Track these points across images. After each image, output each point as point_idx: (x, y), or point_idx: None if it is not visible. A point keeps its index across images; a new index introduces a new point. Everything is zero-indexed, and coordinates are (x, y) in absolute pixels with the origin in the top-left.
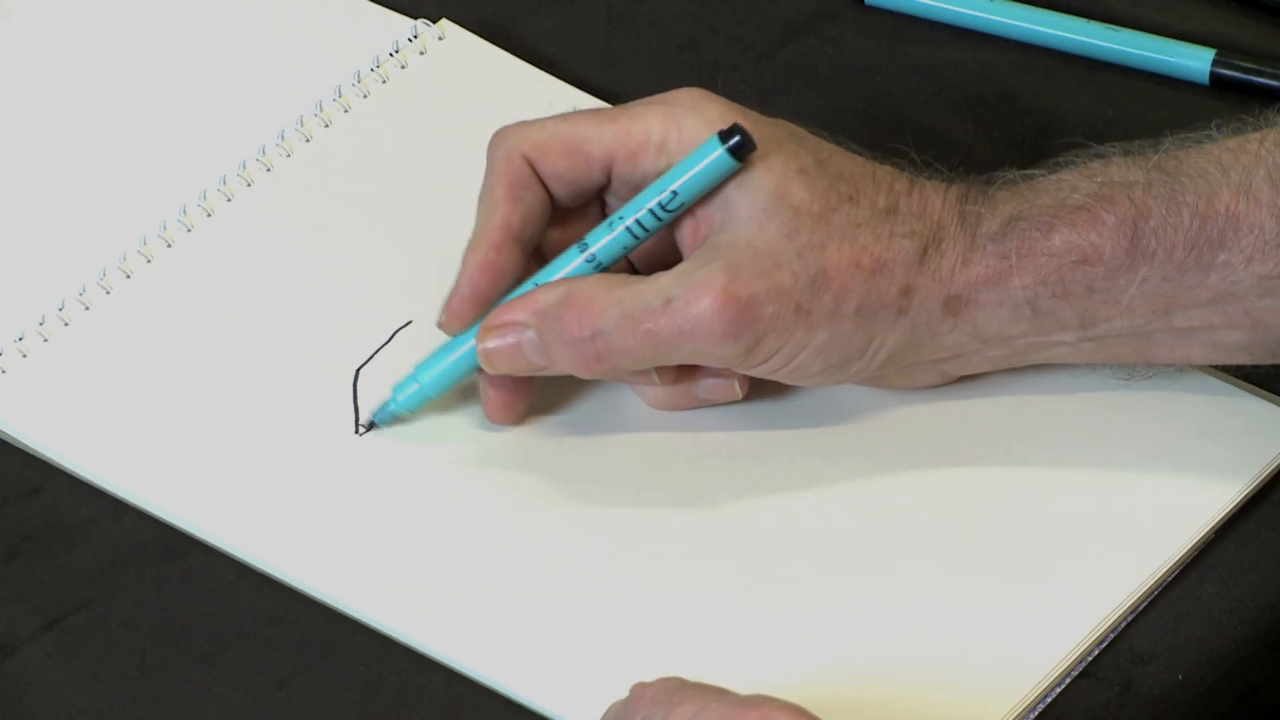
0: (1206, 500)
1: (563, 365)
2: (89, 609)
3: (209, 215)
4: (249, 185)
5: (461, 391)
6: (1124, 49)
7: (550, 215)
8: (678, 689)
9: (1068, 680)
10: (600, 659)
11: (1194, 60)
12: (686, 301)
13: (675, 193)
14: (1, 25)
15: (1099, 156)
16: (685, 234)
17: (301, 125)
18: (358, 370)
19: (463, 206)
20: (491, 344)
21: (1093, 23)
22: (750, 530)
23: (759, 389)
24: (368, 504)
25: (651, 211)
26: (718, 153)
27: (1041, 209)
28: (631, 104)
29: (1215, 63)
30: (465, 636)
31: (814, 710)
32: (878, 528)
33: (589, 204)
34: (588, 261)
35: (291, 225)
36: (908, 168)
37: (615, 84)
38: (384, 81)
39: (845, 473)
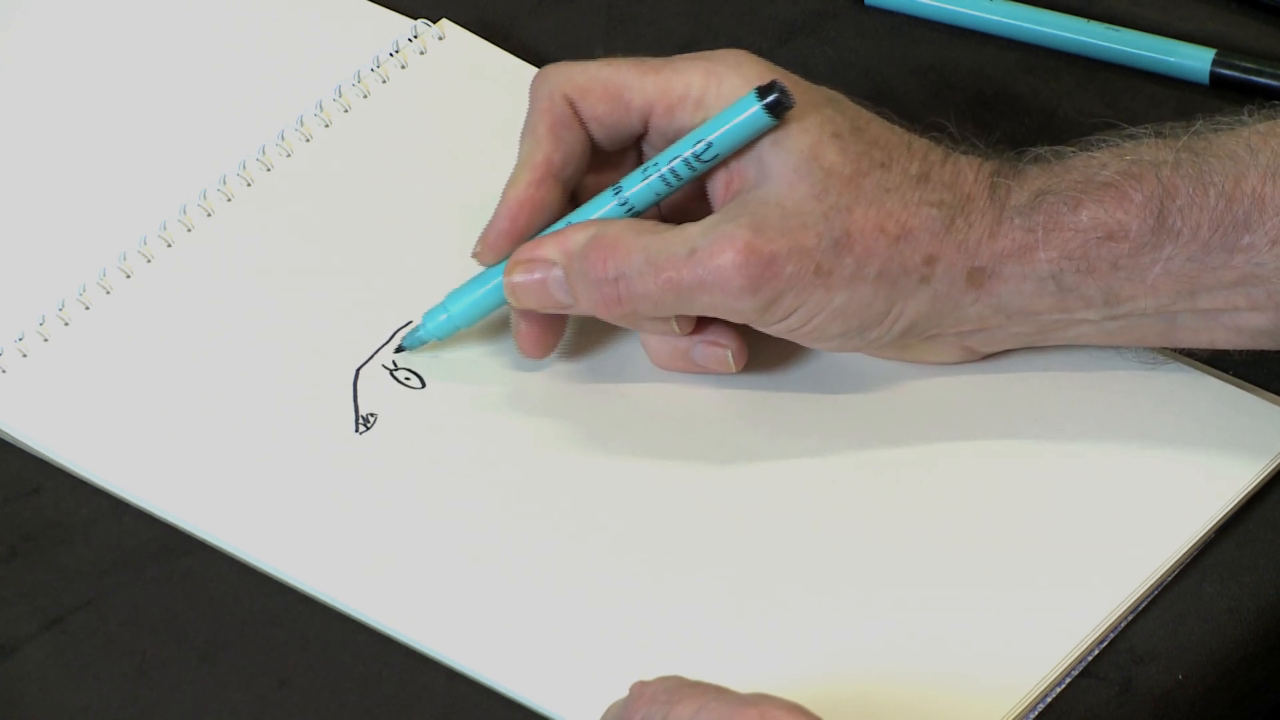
0: (1206, 500)
1: (585, 305)
2: (89, 609)
3: (209, 215)
4: (249, 185)
5: (460, 389)
6: (1124, 49)
7: (588, 160)
8: (677, 687)
9: (1068, 680)
10: (600, 658)
11: (1194, 60)
12: (710, 253)
13: (710, 144)
14: (3, 26)
15: (1131, 137)
16: (718, 188)
17: (302, 125)
18: (358, 370)
19: (463, 205)
20: (518, 278)
21: (1093, 23)
22: (750, 529)
23: (756, 385)
24: (368, 504)
25: (685, 161)
26: (754, 109)
27: (1070, 184)
28: (675, 57)
29: (1215, 63)
30: (465, 636)
31: (813, 709)
32: (877, 528)
33: (626, 151)
34: (620, 205)
35: (291, 225)
36: (946, 142)
37: None
38: (384, 81)
39: (844, 476)
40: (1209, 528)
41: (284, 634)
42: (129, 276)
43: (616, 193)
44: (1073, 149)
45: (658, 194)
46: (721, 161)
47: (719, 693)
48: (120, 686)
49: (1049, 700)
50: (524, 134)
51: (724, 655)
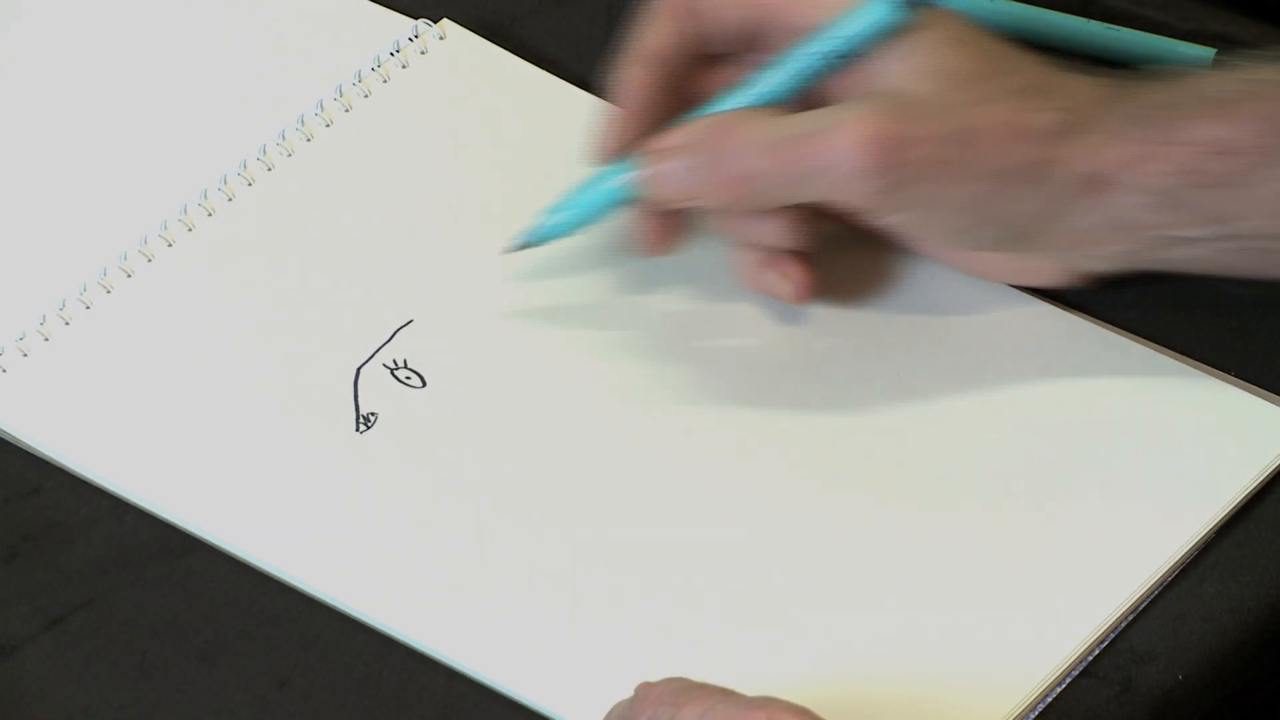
0: (1206, 500)
1: (707, 188)
2: (89, 609)
3: (210, 214)
4: (250, 184)
5: (460, 389)
6: (1124, 48)
7: (701, 59)
8: (683, 689)
9: (1068, 680)
10: (603, 658)
11: (1194, 60)
12: (834, 131)
13: (844, 38)
14: (4, 25)
15: (1250, 59)
16: (839, 91)
17: (303, 125)
18: (358, 369)
19: (464, 205)
20: (649, 168)
21: (1093, 22)
22: (754, 531)
23: (758, 387)
24: (368, 504)
25: (817, 54)
26: (889, 1)
27: (1185, 100)
28: None
29: (1215, 62)
30: (465, 636)
31: (819, 711)
32: (879, 530)
33: (739, 64)
34: (751, 100)
35: (292, 224)
36: (1057, 65)
37: None
38: (385, 81)
39: (845, 480)
40: (1209, 528)
41: (284, 634)
42: (130, 276)
43: (746, 87)
44: (1189, 69)
45: (787, 90)
46: (843, 66)
47: (725, 695)
48: (120, 686)
49: (1049, 700)
50: (642, 25)
51: (729, 656)
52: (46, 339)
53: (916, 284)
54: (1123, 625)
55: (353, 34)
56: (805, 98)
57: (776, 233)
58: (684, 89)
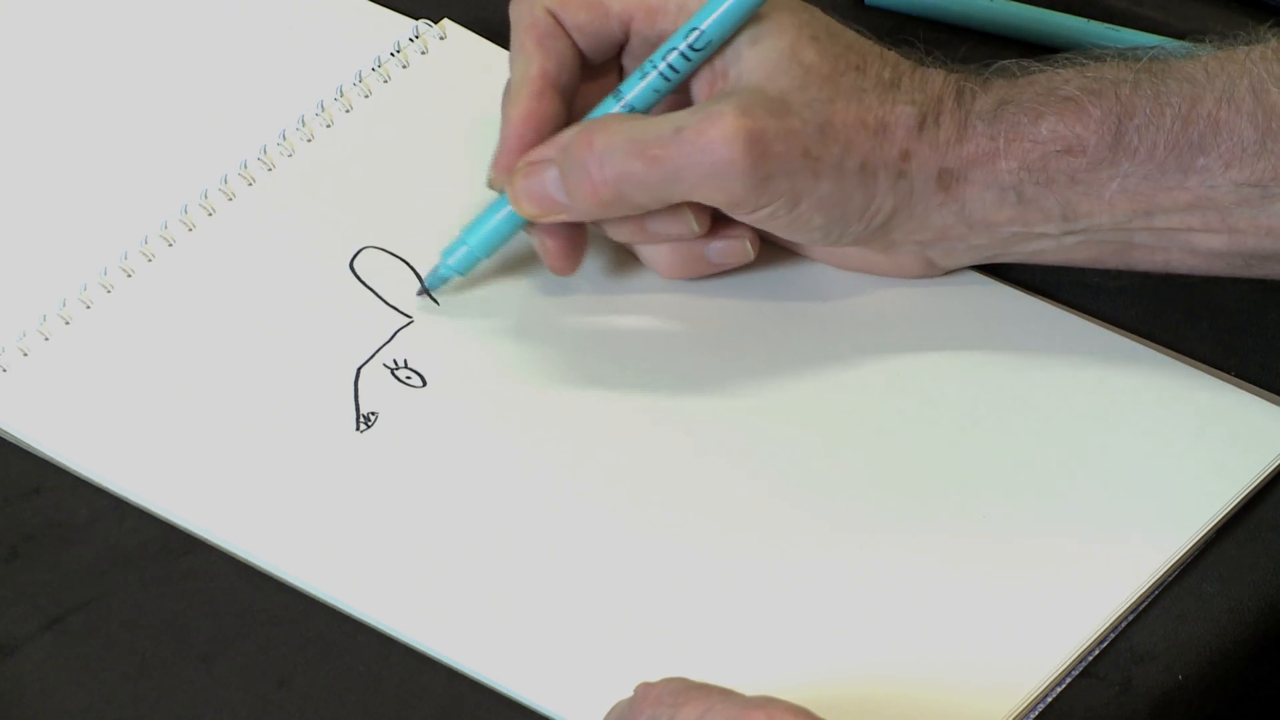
0: (1206, 500)
1: (576, 198)
2: (89, 609)
3: (210, 214)
4: (251, 184)
5: (461, 389)
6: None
7: (579, 71)
8: (683, 689)
9: (1068, 680)
10: (603, 658)
11: None
12: (698, 130)
13: (702, 32)
14: (5, 25)
15: (1096, 57)
16: (702, 89)
17: (303, 125)
18: (359, 369)
19: (464, 205)
20: (520, 183)
21: (1093, 22)
22: (754, 531)
23: (757, 385)
24: (368, 503)
25: (681, 54)
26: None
27: (1031, 97)
28: None
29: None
30: (465, 636)
31: (819, 711)
32: (879, 531)
33: (612, 66)
34: (623, 109)
35: (293, 224)
36: (913, 56)
37: None
38: (386, 81)
39: (846, 481)
40: (1209, 528)
41: (284, 634)
42: (130, 275)
43: (617, 97)
44: (1038, 65)
45: (656, 91)
46: (706, 63)
47: (725, 695)
48: (120, 686)
49: (1049, 700)
50: (512, 55)
51: (729, 656)
52: (46, 338)
53: (916, 283)
54: (1123, 625)
55: (353, 34)
56: (670, 101)
57: (678, 221)
58: (576, 104)
